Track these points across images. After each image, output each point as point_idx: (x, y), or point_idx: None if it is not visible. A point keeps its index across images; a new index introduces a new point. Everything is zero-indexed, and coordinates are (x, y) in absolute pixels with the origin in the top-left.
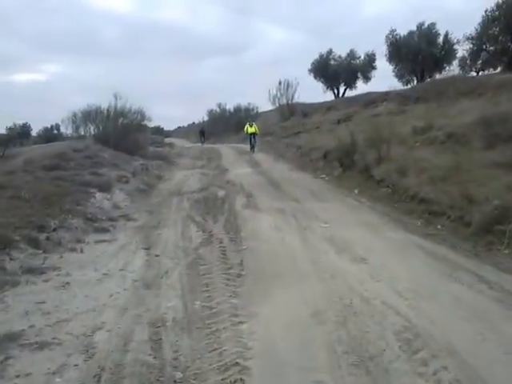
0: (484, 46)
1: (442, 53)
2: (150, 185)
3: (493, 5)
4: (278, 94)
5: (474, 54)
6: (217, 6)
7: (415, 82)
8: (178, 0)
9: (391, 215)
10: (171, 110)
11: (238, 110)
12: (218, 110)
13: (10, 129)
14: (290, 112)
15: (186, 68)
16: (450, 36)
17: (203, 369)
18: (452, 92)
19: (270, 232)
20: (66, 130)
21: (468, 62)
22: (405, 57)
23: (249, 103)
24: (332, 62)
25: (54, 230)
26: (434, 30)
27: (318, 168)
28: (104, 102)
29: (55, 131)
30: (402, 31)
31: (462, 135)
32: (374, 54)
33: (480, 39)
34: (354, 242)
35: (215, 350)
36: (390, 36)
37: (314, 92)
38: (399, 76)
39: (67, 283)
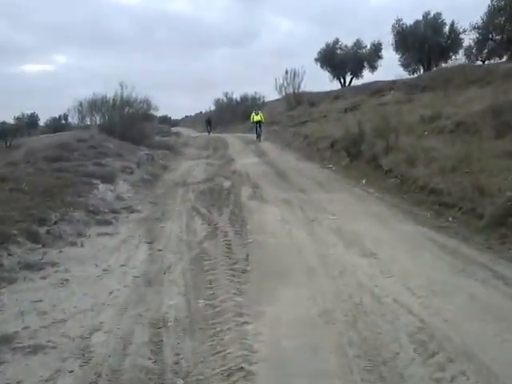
0: (490, 36)
1: (448, 42)
2: (154, 175)
3: None
4: (285, 83)
5: (480, 44)
6: None
7: (421, 71)
8: None
9: (400, 206)
10: (179, 99)
11: (244, 99)
12: (224, 99)
13: (17, 119)
14: (297, 101)
15: (194, 58)
16: (455, 25)
17: (206, 374)
18: (460, 80)
19: (276, 224)
20: (73, 119)
21: (474, 51)
22: (411, 46)
23: (255, 92)
24: (338, 52)
25: (55, 223)
26: (439, 20)
27: (325, 158)
28: (111, 91)
29: (63, 121)
30: (408, 20)
31: (471, 124)
32: (380, 44)
33: (486, 28)
34: (363, 235)
35: (219, 352)
36: (397, 25)
37: (320, 81)
38: (405, 65)
39: (66, 280)
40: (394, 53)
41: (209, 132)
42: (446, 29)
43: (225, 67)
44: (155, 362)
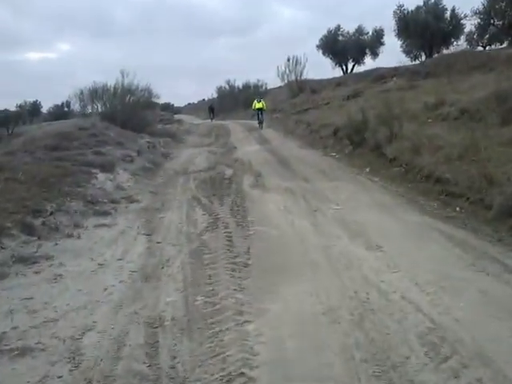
0: (491, 21)
1: (450, 28)
2: (156, 163)
3: None
4: (287, 71)
5: (481, 29)
6: None
7: (423, 57)
8: None
9: (405, 196)
10: (182, 86)
11: (246, 86)
12: (227, 86)
13: (20, 106)
14: (299, 88)
15: (197, 46)
16: (457, 11)
17: (203, 380)
18: (462, 66)
19: (278, 215)
20: (75, 107)
21: (475, 36)
22: (413, 32)
23: (258, 80)
24: (340, 38)
25: (51, 214)
26: (440, 5)
27: (328, 145)
28: (111, 79)
29: (66, 108)
30: (410, 6)
31: (475, 111)
32: (382, 30)
33: (487, 14)
34: (368, 226)
35: (218, 355)
36: (398, 11)
37: (322, 68)
38: (407, 51)
39: (59, 275)
40: (396, 39)
41: (211, 119)
42: (448, 14)
43: (227, 55)
44: (150, 366)
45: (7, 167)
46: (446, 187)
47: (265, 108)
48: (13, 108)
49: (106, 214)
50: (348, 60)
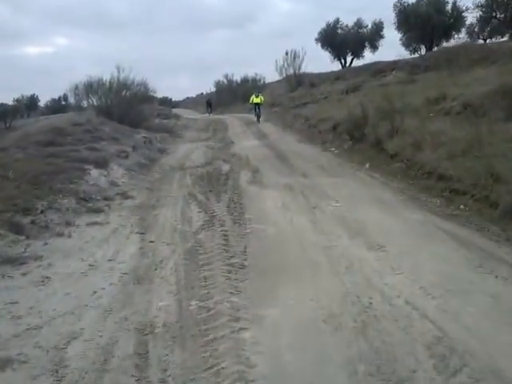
0: (494, 14)
1: (451, 20)
2: (151, 159)
3: None
4: (285, 65)
5: (483, 22)
6: None
7: (423, 50)
8: None
9: (407, 193)
10: (180, 80)
11: (245, 80)
12: (225, 81)
13: (17, 100)
14: (298, 82)
15: (195, 40)
16: (458, 4)
17: None
18: (463, 60)
19: (276, 212)
20: (71, 101)
21: (476, 29)
22: (413, 25)
23: (256, 74)
24: (339, 31)
25: (42, 212)
26: None
27: (327, 140)
28: (107, 73)
29: (63, 102)
30: None
31: (478, 105)
32: (381, 23)
33: (489, 6)
34: (369, 224)
35: (211, 368)
36: (398, 4)
37: (321, 62)
38: (406, 45)
39: (47, 278)
40: (396, 32)
41: (209, 113)
42: (449, 7)
43: (225, 49)
44: (139, 380)
45: None
46: (449, 184)
47: (262, 103)
48: (10, 102)
49: (98, 211)
50: (347, 53)
